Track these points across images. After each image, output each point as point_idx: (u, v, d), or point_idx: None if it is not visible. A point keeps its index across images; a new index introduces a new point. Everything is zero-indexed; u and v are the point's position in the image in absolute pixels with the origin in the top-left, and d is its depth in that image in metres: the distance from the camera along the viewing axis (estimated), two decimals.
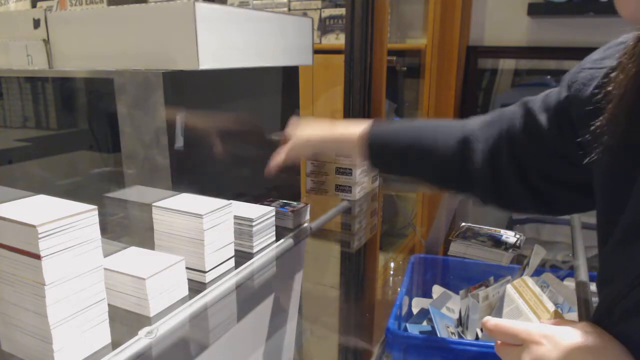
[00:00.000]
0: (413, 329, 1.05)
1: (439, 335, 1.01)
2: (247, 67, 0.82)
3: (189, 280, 0.62)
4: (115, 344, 0.51)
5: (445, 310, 1.11)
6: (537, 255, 1.03)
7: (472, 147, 0.64)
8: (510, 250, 0.90)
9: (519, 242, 0.93)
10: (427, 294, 1.20)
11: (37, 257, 0.44)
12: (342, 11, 1.88)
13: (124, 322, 0.55)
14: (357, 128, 0.75)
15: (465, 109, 1.91)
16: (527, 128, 0.61)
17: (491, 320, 0.51)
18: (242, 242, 0.74)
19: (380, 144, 0.73)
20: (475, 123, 0.67)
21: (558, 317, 0.89)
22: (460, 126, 0.68)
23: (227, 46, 0.75)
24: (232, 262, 0.69)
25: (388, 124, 0.75)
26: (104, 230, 0.51)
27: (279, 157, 0.83)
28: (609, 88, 0.48)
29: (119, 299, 0.57)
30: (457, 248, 0.93)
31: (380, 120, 0.76)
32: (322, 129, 0.80)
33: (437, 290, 1.19)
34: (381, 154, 0.73)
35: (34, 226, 0.43)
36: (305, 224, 0.87)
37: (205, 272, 0.64)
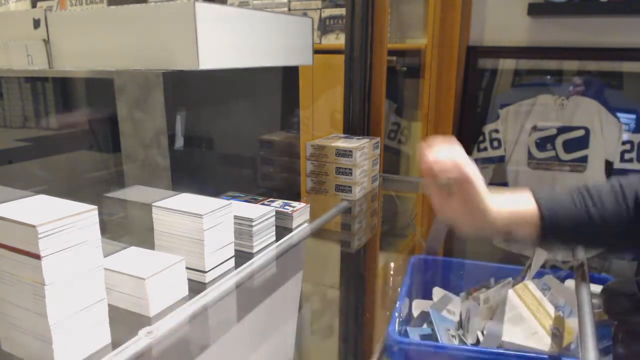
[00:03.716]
0: (413, 333, 1.05)
1: (439, 339, 1.01)
2: (247, 67, 0.82)
3: (189, 280, 0.62)
4: (115, 344, 0.51)
5: (446, 312, 1.11)
6: (539, 258, 1.03)
7: None
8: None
9: None
10: (427, 296, 1.20)
11: (37, 257, 0.44)
12: (342, 11, 1.88)
13: (124, 322, 0.55)
14: (519, 202, 0.68)
15: (465, 109, 1.91)
16: None
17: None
18: (242, 242, 0.74)
19: (554, 224, 0.68)
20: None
21: (559, 323, 0.89)
22: (622, 186, 0.66)
23: (227, 46, 0.75)
24: (232, 262, 0.69)
25: (553, 199, 0.69)
26: (104, 230, 0.51)
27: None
28: None
29: (119, 299, 0.57)
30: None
31: (543, 193, 0.70)
32: (505, 203, 0.69)
33: (437, 292, 1.18)
34: (555, 234, 0.69)
35: (34, 226, 0.43)
36: (305, 224, 0.87)
37: (205, 272, 0.64)
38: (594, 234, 0.68)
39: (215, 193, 0.79)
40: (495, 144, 1.83)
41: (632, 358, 0.82)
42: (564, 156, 1.75)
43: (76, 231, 0.46)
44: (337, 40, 1.91)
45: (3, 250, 0.46)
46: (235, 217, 0.72)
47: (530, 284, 0.94)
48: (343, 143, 1.08)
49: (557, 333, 0.88)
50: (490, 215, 0.66)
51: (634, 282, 0.85)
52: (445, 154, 0.65)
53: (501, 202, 0.68)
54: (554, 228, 0.67)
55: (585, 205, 0.67)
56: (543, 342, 0.87)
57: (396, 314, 1.02)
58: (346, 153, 1.05)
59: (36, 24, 0.79)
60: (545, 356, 0.85)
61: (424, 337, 1.04)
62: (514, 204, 0.68)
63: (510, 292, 0.93)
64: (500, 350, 0.88)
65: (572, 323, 0.91)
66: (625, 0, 1.56)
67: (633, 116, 1.67)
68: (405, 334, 1.04)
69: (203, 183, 0.80)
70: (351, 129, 1.29)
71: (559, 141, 1.75)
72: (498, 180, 1.81)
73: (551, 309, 0.91)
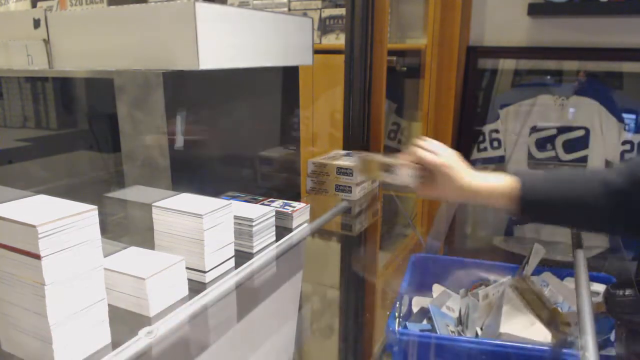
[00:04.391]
0: (413, 328, 1.05)
1: (438, 334, 1.01)
2: (247, 67, 0.82)
3: (189, 280, 0.62)
4: (115, 344, 0.51)
5: (445, 309, 1.11)
6: (537, 254, 1.03)
7: (627, 201, 0.70)
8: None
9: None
10: (427, 293, 1.20)
11: (37, 257, 0.44)
12: (342, 11, 1.88)
13: (124, 322, 0.55)
14: (501, 180, 0.78)
15: (465, 109, 1.91)
16: None
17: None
18: (242, 242, 0.74)
19: (534, 199, 0.77)
20: (621, 173, 0.72)
21: (556, 316, 0.89)
22: (605, 177, 0.73)
23: (227, 46, 0.75)
24: (232, 262, 0.69)
25: (535, 178, 0.78)
26: (104, 230, 0.51)
27: (426, 194, 0.84)
28: None
29: (119, 299, 0.57)
30: None
31: (524, 172, 0.80)
32: (472, 179, 0.79)
33: (437, 289, 1.19)
34: (535, 208, 0.77)
35: (34, 226, 0.43)
36: (305, 224, 0.87)
37: (205, 272, 0.64)
38: (567, 210, 0.76)
39: (215, 193, 0.79)
40: (495, 144, 1.83)
41: (633, 358, 0.82)
42: (564, 156, 1.75)
43: (76, 231, 0.46)
44: (337, 40, 1.91)
45: (3, 250, 0.46)
46: (235, 217, 0.72)
47: (528, 278, 0.94)
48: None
49: (554, 325, 0.88)
50: (469, 191, 0.79)
51: (634, 283, 0.85)
52: (427, 145, 0.82)
53: (483, 179, 0.79)
54: (530, 199, 0.76)
55: (560, 182, 0.77)
56: (540, 334, 0.87)
57: (395, 310, 1.02)
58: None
59: (36, 24, 0.79)
60: (543, 347, 0.85)
61: (423, 332, 1.04)
62: (495, 180, 0.79)
63: (508, 285, 0.93)
64: (499, 341, 0.89)
65: (569, 316, 0.91)
66: (625, 0, 1.56)
67: (633, 116, 1.67)
68: (405, 329, 1.04)
69: (203, 183, 0.80)
70: (351, 129, 1.29)
71: (559, 141, 1.75)
72: None
73: (549, 302, 0.91)
